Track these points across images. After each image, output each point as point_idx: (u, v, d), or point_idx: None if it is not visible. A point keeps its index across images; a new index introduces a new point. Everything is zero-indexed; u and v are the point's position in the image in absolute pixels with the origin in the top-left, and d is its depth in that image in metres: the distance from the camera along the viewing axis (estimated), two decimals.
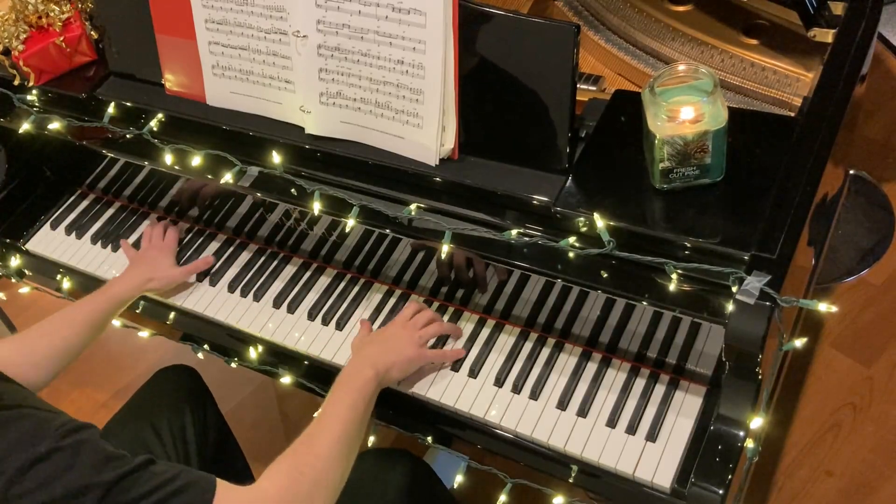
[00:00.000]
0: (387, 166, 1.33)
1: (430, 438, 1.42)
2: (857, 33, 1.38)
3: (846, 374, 2.07)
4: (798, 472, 1.92)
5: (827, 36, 1.41)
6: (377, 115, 1.32)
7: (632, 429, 1.29)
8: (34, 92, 1.61)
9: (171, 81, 1.51)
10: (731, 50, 1.53)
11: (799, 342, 1.14)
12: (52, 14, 1.57)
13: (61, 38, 1.56)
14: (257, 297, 1.59)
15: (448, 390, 1.39)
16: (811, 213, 1.17)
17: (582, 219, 1.19)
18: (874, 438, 1.95)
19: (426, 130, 1.28)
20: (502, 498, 1.40)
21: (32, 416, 1.02)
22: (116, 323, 1.75)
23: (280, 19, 1.33)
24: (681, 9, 1.63)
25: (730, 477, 1.16)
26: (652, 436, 1.27)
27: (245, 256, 1.66)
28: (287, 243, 1.64)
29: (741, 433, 1.17)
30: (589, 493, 1.31)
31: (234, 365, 1.60)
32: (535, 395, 1.35)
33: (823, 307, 1.09)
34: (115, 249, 1.74)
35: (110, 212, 1.82)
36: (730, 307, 1.09)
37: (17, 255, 1.81)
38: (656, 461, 1.25)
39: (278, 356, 1.55)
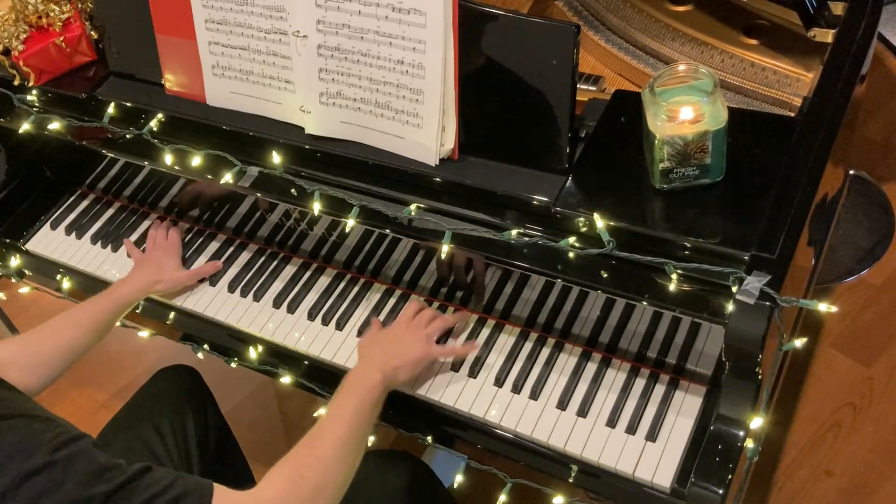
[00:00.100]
0: (387, 166, 1.33)
1: (429, 438, 1.42)
2: (857, 33, 1.38)
3: (846, 374, 2.07)
4: (798, 472, 1.92)
5: (827, 36, 1.41)
6: (377, 115, 1.32)
7: (632, 429, 1.29)
8: (34, 92, 1.61)
9: (171, 81, 1.51)
10: (731, 50, 1.53)
11: (799, 342, 1.14)
12: (52, 14, 1.57)
13: (61, 38, 1.56)
14: (257, 297, 1.59)
15: (448, 390, 1.39)
16: (811, 213, 1.17)
17: (582, 219, 1.19)
18: (874, 438, 1.95)
19: (426, 130, 1.28)
20: (502, 498, 1.40)
21: (24, 428, 1.00)
22: (116, 323, 1.75)
23: (280, 19, 1.33)
24: (681, 9, 1.63)
25: (730, 477, 1.16)
26: (652, 436, 1.27)
27: (245, 256, 1.66)
28: (287, 243, 1.64)
29: (741, 433, 1.17)
30: (589, 493, 1.31)
31: (234, 365, 1.60)
32: (535, 395, 1.35)
33: (823, 307, 1.09)
34: (115, 249, 1.74)
35: (110, 212, 1.82)
36: (730, 307, 1.09)
37: (17, 255, 1.81)
38: (656, 461, 1.25)
39: (278, 356, 1.54)
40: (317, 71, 1.32)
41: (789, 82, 1.47)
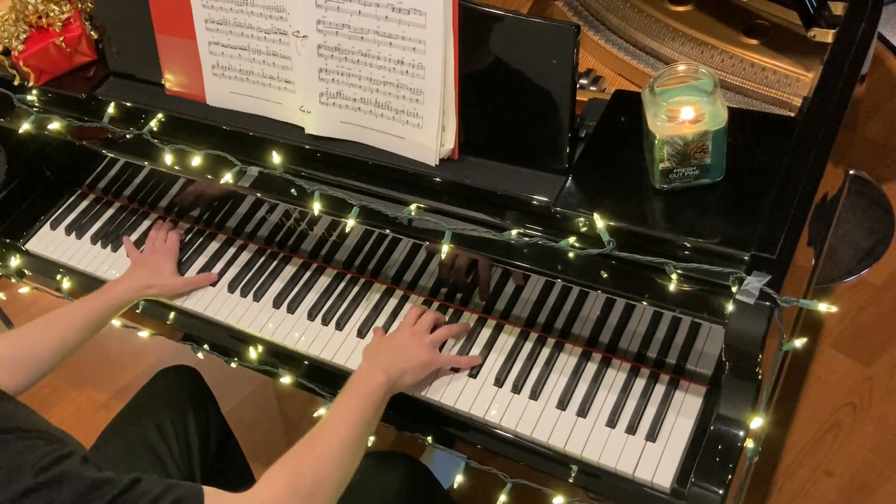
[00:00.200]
0: (387, 166, 1.33)
1: (429, 438, 1.42)
2: (857, 33, 1.38)
3: (846, 374, 2.07)
4: (798, 472, 1.92)
5: (827, 36, 1.41)
6: (377, 115, 1.32)
7: (632, 429, 1.29)
8: (34, 92, 1.61)
9: (171, 81, 1.51)
10: (731, 50, 1.53)
11: (799, 342, 1.14)
12: (52, 14, 1.57)
13: (61, 38, 1.56)
14: (257, 297, 1.59)
15: (448, 390, 1.39)
16: (811, 213, 1.17)
17: (582, 219, 1.19)
18: (874, 438, 1.95)
19: (426, 130, 1.28)
20: (502, 498, 1.40)
21: (13, 446, 0.98)
22: (116, 323, 1.75)
23: (280, 19, 1.33)
24: (681, 9, 1.63)
25: (730, 477, 1.16)
26: (652, 436, 1.27)
27: (245, 256, 1.66)
28: (287, 243, 1.64)
29: (741, 433, 1.17)
30: (589, 493, 1.31)
31: (234, 365, 1.60)
32: (535, 395, 1.35)
33: (823, 307, 1.09)
34: (115, 249, 1.74)
35: (110, 212, 1.82)
36: (730, 307, 1.09)
37: (17, 255, 1.81)
38: (656, 461, 1.25)
39: (278, 356, 1.54)
40: (317, 71, 1.32)
41: (789, 82, 1.47)
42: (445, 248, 1.26)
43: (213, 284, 1.63)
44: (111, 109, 1.53)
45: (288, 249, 1.64)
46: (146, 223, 1.77)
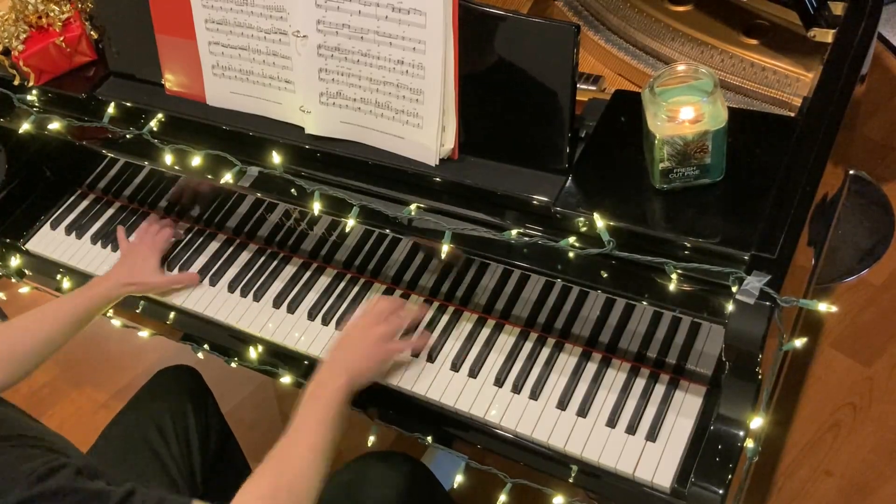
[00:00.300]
0: (387, 166, 1.33)
1: (429, 438, 1.42)
2: (857, 33, 1.38)
3: (846, 374, 2.07)
4: (798, 472, 1.92)
5: (827, 36, 1.41)
6: (377, 115, 1.32)
7: (632, 429, 1.29)
8: (34, 92, 1.61)
9: (171, 81, 1.51)
10: (731, 50, 1.53)
11: (799, 342, 1.14)
12: (52, 14, 1.57)
13: (61, 38, 1.56)
14: (257, 297, 1.59)
15: (448, 390, 1.39)
16: (811, 213, 1.17)
17: (582, 219, 1.19)
18: (874, 438, 1.95)
19: (426, 130, 1.28)
20: (502, 498, 1.40)
21: (7, 455, 0.98)
22: (116, 323, 1.75)
23: (280, 19, 1.33)
24: (681, 9, 1.63)
25: (730, 477, 1.16)
26: (652, 436, 1.27)
27: (245, 256, 1.66)
28: (287, 243, 1.64)
29: (741, 433, 1.17)
30: (589, 493, 1.31)
31: (234, 365, 1.60)
32: (535, 395, 1.35)
33: (823, 307, 1.09)
34: (115, 249, 1.74)
35: (110, 212, 1.82)
36: (730, 307, 1.09)
37: (17, 255, 1.81)
38: (656, 461, 1.25)
39: (278, 356, 1.54)
40: (317, 71, 1.33)
41: (789, 82, 1.47)
42: (445, 248, 1.26)
43: (219, 273, 1.62)
44: (111, 109, 1.53)
45: (288, 249, 1.64)
46: (151, 219, 1.77)
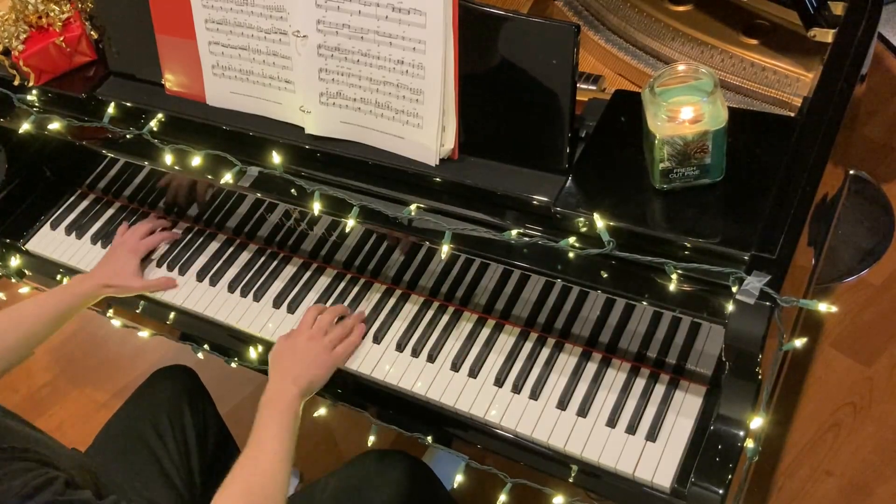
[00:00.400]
0: (387, 166, 1.33)
1: (430, 438, 1.42)
2: (857, 33, 1.38)
3: (846, 374, 2.07)
4: (798, 472, 1.92)
5: (827, 36, 1.41)
6: (377, 115, 1.32)
7: (632, 429, 1.29)
8: (34, 92, 1.61)
9: (171, 81, 1.51)
10: (731, 50, 1.53)
11: (799, 342, 1.14)
12: (52, 14, 1.57)
13: (61, 38, 1.56)
14: (257, 297, 1.59)
15: (448, 390, 1.39)
16: (811, 213, 1.17)
17: (582, 219, 1.19)
18: (874, 438, 1.95)
19: (426, 130, 1.28)
20: (502, 498, 1.40)
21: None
22: (116, 323, 1.75)
23: (280, 19, 1.33)
24: (681, 9, 1.63)
25: (730, 477, 1.16)
26: (652, 436, 1.27)
27: (245, 256, 1.66)
28: (287, 243, 1.64)
29: (741, 433, 1.17)
30: (589, 492, 1.31)
31: (234, 365, 1.60)
32: (535, 395, 1.35)
33: (823, 307, 1.09)
34: None
35: (110, 212, 1.82)
36: (730, 307, 1.09)
37: (17, 255, 1.81)
38: (656, 461, 1.25)
39: None
40: (317, 71, 1.32)
41: (789, 82, 1.47)
42: (445, 248, 1.26)
43: (219, 273, 1.63)
44: (111, 109, 1.53)
45: (288, 249, 1.64)
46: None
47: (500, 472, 1.38)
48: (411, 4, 1.20)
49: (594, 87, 1.50)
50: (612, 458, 1.26)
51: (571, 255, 1.20)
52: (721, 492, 1.15)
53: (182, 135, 1.48)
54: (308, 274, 1.60)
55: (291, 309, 1.56)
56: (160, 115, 1.50)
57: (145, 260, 1.68)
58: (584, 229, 1.20)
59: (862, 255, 2.26)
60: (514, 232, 1.23)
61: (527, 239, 1.22)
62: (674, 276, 1.12)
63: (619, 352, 1.37)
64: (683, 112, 1.12)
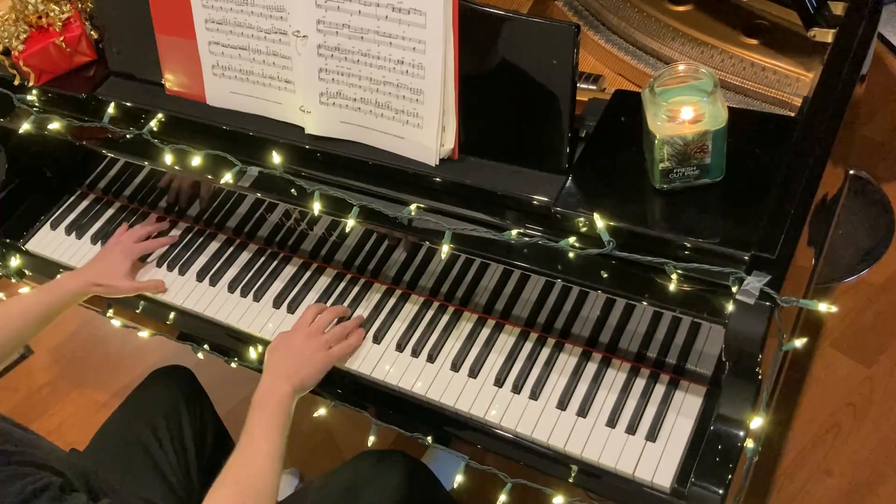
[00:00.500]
0: (387, 166, 1.33)
1: (429, 438, 1.42)
2: (857, 33, 1.38)
3: (846, 374, 2.07)
4: (798, 473, 1.92)
5: (827, 36, 1.41)
6: (377, 115, 1.32)
7: (632, 429, 1.29)
8: (34, 92, 1.61)
9: (171, 81, 1.51)
10: (731, 50, 1.53)
11: (799, 342, 1.14)
12: (52, 14, 1.57)
13: (61, 38, 1.56)
14: (257, 297, 1.59)
15: (448, 390, 1.39)
16: (811, 213, 1.17)
17: (582, 219, 1.19)
18: (874, 438, 1.95)
19: (426, 130, 1.28)
20: (502, 498, 1.40)
21: None
22: (116, 323, 1.75)
23: (280, 19, 1.33)
24: (681, 9, 1.63)
25: (730, 477, 1.16)
26: (652, 436, 1.27)
27: (245, 256, 1.66)
28: (287, 243, 1.64)
29: (741, 433, 1.17)
30: (589, 492, 1.31)
31: (234, 365, 1.60)
32: (535, 395, 1.35)
33: (823, 307, 1.09)
34: None
35: (110, 212, 1.82)
36: (730, 307, 1.09)
37: (17, 255, 1.80)
38: (656, 461, 1.25)
39: None
40: (317, 71, 1.32)
41: (789, 82, 1.47)
42: (445, 248, 1.26)
43: (219, 273, 1.62)
44: (111, 109, 1.53)
45: (288, 249, 1.64)
46: (148, 221, 1.77)
47: (500, 472, 1.38)
48: (411, 4, 1.20)
49: (594, 87, 1.50)
50: (612, 458, 1.26)
51: (571, 255, 1.20)
52: (721, 492, 1.15)
53: (182, 135, 1.48)
54: (308, 274, 1.60)
55: (291, 309, 1.56)
56: (160, 115, 1.50)
57: (144, 260, 1.68)
58: (584, 229, 1.20)
59: (862, 255, 2.26)
60: (514, 232, 1.23)
61: (527, 239, 1.22)
62: (674, 276, 1.12)
63: (619, 352, 1.37)
64: (683, 112, 1.12)
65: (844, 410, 2.01)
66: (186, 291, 1.63)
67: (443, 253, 1.27)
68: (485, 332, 1.45)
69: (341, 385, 1.47)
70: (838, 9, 1.43)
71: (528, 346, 1.42)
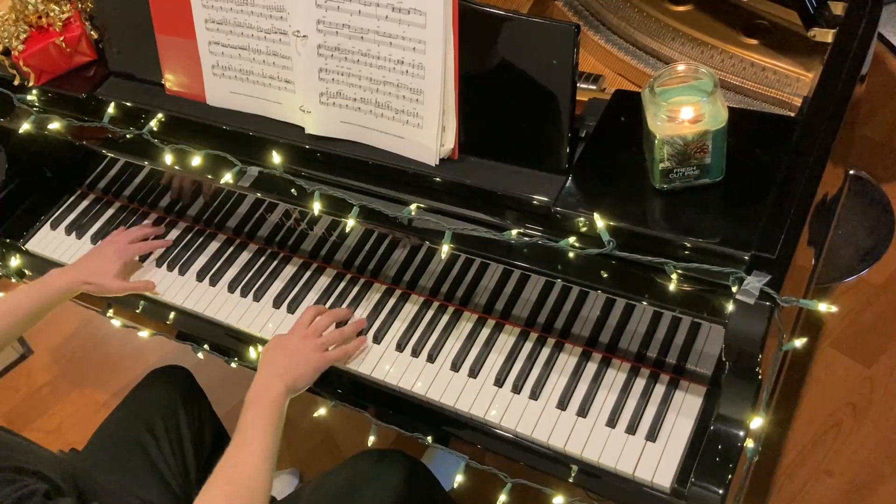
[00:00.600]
0: (387, 166, 1.33)
1: (429, 438, 1.42)
2: (857, 33, 1.38)
3: (846, 374, 2.07)
4: (798, 472, 1.92)
5: (827, 36, 1.41)
6: (377, 115, 1.32)
7: (632, 429, 1.29)
8: (34, 92, 1.61)
9: (171, 81, 1.51)
10: (731, 50, 1.53)
11: (799, 342, 1.14)
12: (52, 14, 1.57)
13: (61, 38, 1.56)
14: (257, 297, 1.59)
15: (448, 390, 1.39)
16: (811, 213, 1.17)
17: (582, 219, 1.19)
18: (874, 438, 1.95)
19: (426, 130, 1.28)
20: (502, 498, 1.40)
21: None
22: (116, 323, 1.75)
23: (280, 19, 1.33)
24: (681, 9, 1.63)
25: (730, 477, 1.16)
26: (652, 436, 1.27)
27: (245, 256, 1.66)
28: (287, 243, 1.64)
29: (741, 433, 1.17)
30: (589, 492, 1.31)
31: (233, 365, 1.60)
32: (535, 395, 1.35)
33: (823, 307, 1.09)
34: None
35: (110, 212, 1.82)
36: (730, 307, 1.09)
37: (17, 255, 1.81)
38: (656, 461, 1.25)
39: None
40: (317, 71, 1.33)
41: (789, 82, 1.47)
42: (445, 248, 1.26)
43: (219, 273, 1.63)
44: (111, 109, 1.53)
45: (288, 249, 1.64)
46: (146, 223, 1.77)
47: (500, 472, 1.38)
48: (411, 4, 1.20)
49: (594, 87, 1.50)
50: (612, 458, 1.26)
51: (571, 255, 1.20)
52: (721, 492, 1.15)
53: (182, 135, 1.48)
54: (308, 274, 1.60)
55: (291, 309, 1.56)
56: (160, 115, 1.50)
57: (144, 259, 1.68)
58: (584, 229, 1.20)
59: (862, 255, 2.26)
60: (514, 232, 1.23)
61: (527, 239, 1.22)
62: (674, 276, 1.12)
63: (619, 352, 1.37)
64: (683, 112, 1.12)
65: (844, 410, 2.01)
66: (186, 291, 1.63)
67: (443, 253, 1.27)
68: (485, 332, 1.45)
69: (341, 385, 1.47)
70: (838, 9, 1.43)
71: (528, 346, 1.42)
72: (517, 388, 1.37)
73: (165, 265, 1.67)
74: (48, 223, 1.83)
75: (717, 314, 1.12)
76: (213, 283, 1.63)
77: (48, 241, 1.80)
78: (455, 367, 1.41)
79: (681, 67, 1.18)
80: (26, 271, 1.82)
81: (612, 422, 1.30)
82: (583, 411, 1.32)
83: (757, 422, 1.15)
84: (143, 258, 1.68)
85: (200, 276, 1.64)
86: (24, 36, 1.56)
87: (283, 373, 1.33)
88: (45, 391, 2.46)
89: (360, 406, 1.48)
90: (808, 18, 1.42)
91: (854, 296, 2.20)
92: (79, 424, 2.35)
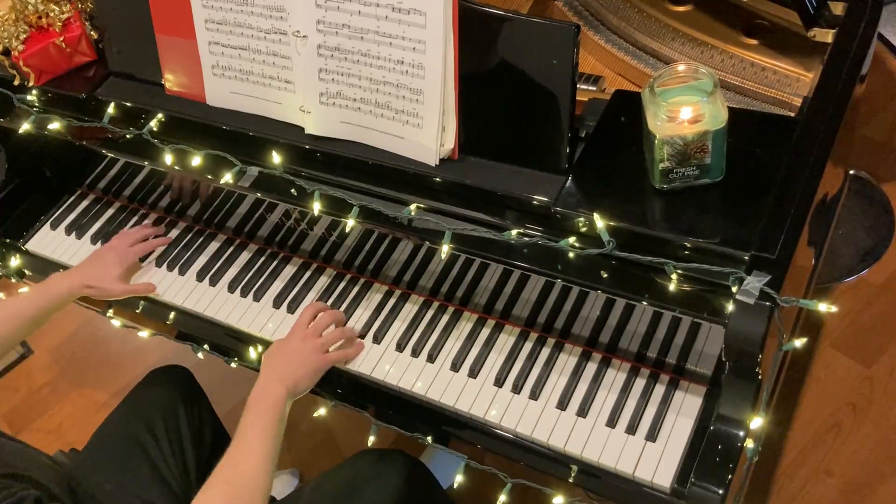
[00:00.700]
0: (387, 166, 1.33)
1: (429, 438, 1.42)
2: (857, 33, 1.38)
3: (846, 374, 2.07)
4: (798, 472, 1.92)
5: (827, 36, 1.41)
6: (377, 115, 1.32)
7: (632, 429, 1.29)
8: (34, 92, 1.61)
9: (171, 81, 1.51)
10: (731, 50, 1.53)
11: (799, 342, 1.14)
12: (52, 14, 1.57)
13: (61, 38, 1.56)
14: (257, 297, 1.59)
15: (448, 390, 1.39)
16: (811, 213, 1.17)
17: (582, 219, 1.19)
18: (874, 438, 1.95)
19: (426, 130, 1.28)
20: (502, 498, 1.40)
21: None
22: (116, 323, 1.75)
23: (280, 19, 1.33)
24: (681, 9, 1.63)
25: (730, 477, 1.16)
26: (652, 436, 1.27)
27: (245, 256, 1.66)
28: (287, 243, 1.64)
29: (741, 433, 1.17)
30: (589, 492, 1.31)
31: (233, 365, 1.60)
32: (534, 395, 1.35)
33: (823, 307, 1.09)
34: None
35: (110, 212, 1.82)
36: (730, 307, 1.09)
37: (17, 255, 1.81)
38: (656, 461, 1.25)
39: None
40: (317, 71, 1.33)
41: (789, 82, 1.47)
42: (445, 248, 1.26)
43: (219, 273, 1.63)
44: (111, 109, 1.53)
45: (288, 249, 1.64)
46: (146, 223, 1.77)
47: (500, 472, 1.38)
48: (411, 4, 1.20)
49: (594, 88, 1.50)
50: (612, 459, 1.26)
51: (571, 255, 1.20)
52: (721, 492, 1.15)
53: (182, 135, 1.48)
54: (308, 274, 1.60)
55: (291, 309, 1.56)
56: (160, 115, 1.50)
57: (144, 260, 1.68)
58: (584, 229, 1.20)
59: (862, 255, 2.26)
60: (514, 232, 1.23)
61: (527, 239, 1.22)
62: (674, 276, 1.12)
63: (619, 352, 1.37)
64: (683, 112, 1.12)
65: (844, 410, 2.01)
66: (186, 291, 1.63)
67: (443, 253, 1.27)
68: (485, 332, 1.45)
69: (341, 385, 1.47)
70: (838, 9, 1.43)
71: (528, 346, 1.42)
72: (517, 388, 1.37)
73: (165, 265, 1.67)
74: (48, 223, 1.83)
75: (717, 314, 1.12)
76: (213, 283, 1.63)
77: (48, 241, 1.81)
78: (455, 367, 1.42)
79: (681, 67, 1.18)
80: (26, 271, 1.82)
81: (612, 422, 1.30)
82: (583, 411, 1.32)
83: (757, 422, 1.15)
84: (144, 258, 1.68)
85: (200, 276, 1.64)
86: (24, 36, 1.56)
87: (284, 376, 1.33)
88: (45, 391, 2.46)
89: (360, 406, 1.48)
90: (808, 18, 1.42)
91: (854, 296, 2.20)
92: (79, 424, 2.35)
